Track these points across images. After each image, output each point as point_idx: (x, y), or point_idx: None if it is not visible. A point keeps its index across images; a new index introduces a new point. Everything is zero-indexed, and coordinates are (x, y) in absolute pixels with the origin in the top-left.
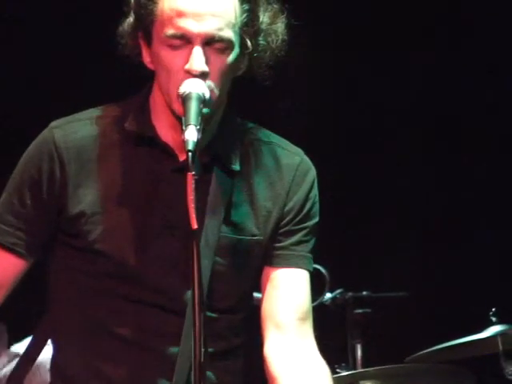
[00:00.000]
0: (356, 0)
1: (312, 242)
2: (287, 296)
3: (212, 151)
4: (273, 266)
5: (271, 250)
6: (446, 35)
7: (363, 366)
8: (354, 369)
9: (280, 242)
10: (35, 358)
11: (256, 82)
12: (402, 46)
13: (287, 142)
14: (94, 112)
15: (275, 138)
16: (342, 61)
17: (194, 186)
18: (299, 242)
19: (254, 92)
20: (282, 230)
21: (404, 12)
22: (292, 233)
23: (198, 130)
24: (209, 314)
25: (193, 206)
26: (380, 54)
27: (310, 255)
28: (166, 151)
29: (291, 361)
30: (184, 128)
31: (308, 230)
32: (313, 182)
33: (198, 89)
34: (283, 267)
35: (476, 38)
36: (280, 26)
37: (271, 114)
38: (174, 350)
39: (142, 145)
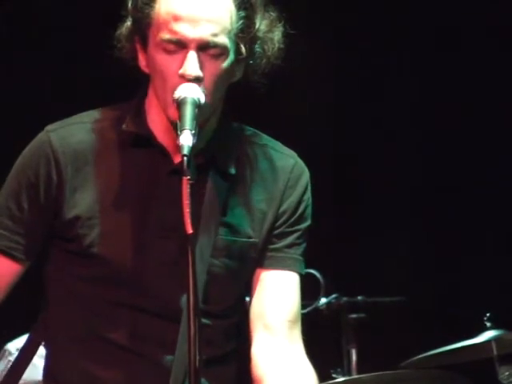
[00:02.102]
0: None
1: (304, 245)
2: (278, 298)
3: (208, 154)
4: (264, 267)
5: (264, 252)
6: (446, 35)
7: (358, 371)
8: (349, 374)
9: (273, 243)
10: (32, 356)
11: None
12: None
13: (281, 145)
14: (89, 115)
15: (270, 141)
16: (343, 61)
17: (189, 190)
18: (292, 245)
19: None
20: (275, 232)
21: (405, 12)
22: (285, 235)
23: (193, 135)
24: (203, 320)
25: (188, 210)
26: (381, 54)
27: (301, 258)
28: (162, 153)
29: (278, 362)
30: (179, 133)
31: (300, 232)
32: (306, 185)
33: (193, 93)
34: (275, 269)
35: (477, 38)
36: (277, 34)
37: (270, 114)
38: (169, 356)
39: (138, 146)
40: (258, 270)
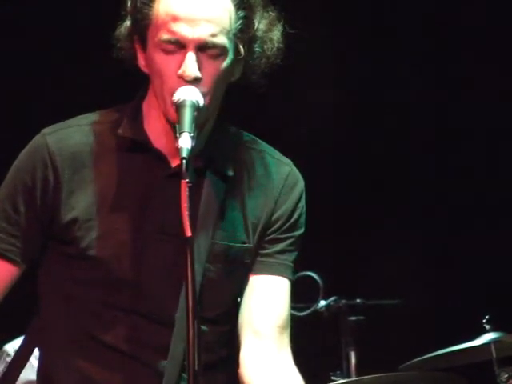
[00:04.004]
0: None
1: (296, 252)
2: (267, 303)
3: (206, 156)
4: (255, 272)
5: (255, 257)
6: (446, 31)
7: (357, 374)
8: (348, 376)
9: (264, 249)
10: (27, 358)
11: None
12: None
13: (278, 152)
14: (87, 118)
15: (266, 148)
16: (343, 61)
17: (187, 193)
18: (283, 251)
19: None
20: (267, 238)
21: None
22: (277, 241)
23: (192, 138)
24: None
25: (187, 213)
26: (381, 54)
27: (292, 265)
28: (159, 157)
29: (265, 368)
30: (178, 135)
31: (293, 239)
32: (301, 193)
33: (192, 96)
34: (265, 274)
35: (478, 38)
36: (276, 34)
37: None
38: (163, 360)
39: (135, 151)
40: (248, 275)
